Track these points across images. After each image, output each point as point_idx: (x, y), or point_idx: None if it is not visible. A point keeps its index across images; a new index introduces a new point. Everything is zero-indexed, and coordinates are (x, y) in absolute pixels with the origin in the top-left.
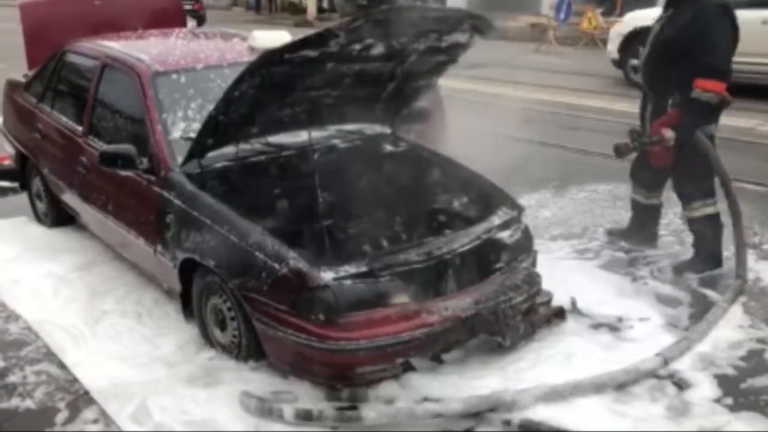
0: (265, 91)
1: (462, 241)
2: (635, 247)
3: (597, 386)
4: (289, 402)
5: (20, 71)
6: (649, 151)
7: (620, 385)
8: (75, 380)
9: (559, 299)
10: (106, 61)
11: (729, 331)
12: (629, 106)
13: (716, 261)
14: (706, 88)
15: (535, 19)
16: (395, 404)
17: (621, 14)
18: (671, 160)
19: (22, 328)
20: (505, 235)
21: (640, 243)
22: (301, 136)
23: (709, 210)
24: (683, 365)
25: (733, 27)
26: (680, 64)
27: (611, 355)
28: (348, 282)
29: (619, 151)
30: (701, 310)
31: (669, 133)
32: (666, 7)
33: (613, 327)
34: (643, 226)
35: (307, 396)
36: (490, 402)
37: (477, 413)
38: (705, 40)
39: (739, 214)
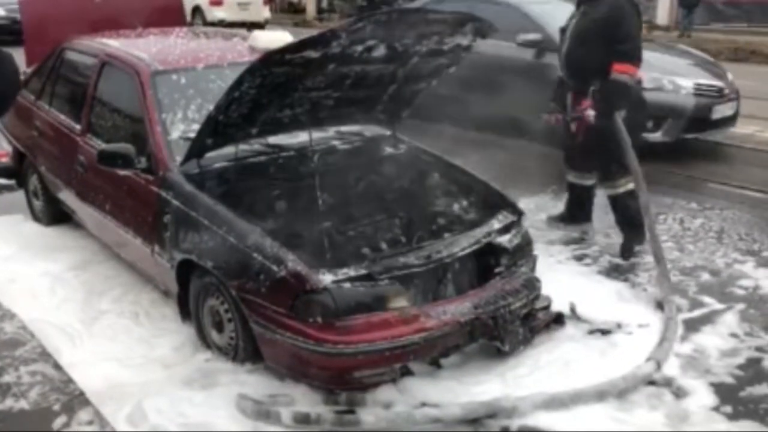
0: (265, 92)
1: (462, 244)
2: (573, 229)
3: (598, 394)
4: (286, 405)
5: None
6: (572, 126)
7: (621, 392)
8: (70, 381)
9: (558, 304)
10: (105, 59)
11: (718, 339)
12: None
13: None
14: (622, 71)
15: None
16: (393, 408)
17: None
18: (586, 139)
19: (17, 328)
20: (505, 240)
21: (578, 223)
22: (301, 138)
23: (631, 185)
24: (678, 373)
25: (639, 17)
26: (598, 54)
27: (610, 361)
28: (347, 285)
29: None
30: (699, 316)
31: (590, 111)
32: (578, 5)
33: (612, 333)
34: (580, 206)
35: (304, 399)
36: (490, 408)
37: (476, 419)
38: (620, 30)
39: (647, 205)
